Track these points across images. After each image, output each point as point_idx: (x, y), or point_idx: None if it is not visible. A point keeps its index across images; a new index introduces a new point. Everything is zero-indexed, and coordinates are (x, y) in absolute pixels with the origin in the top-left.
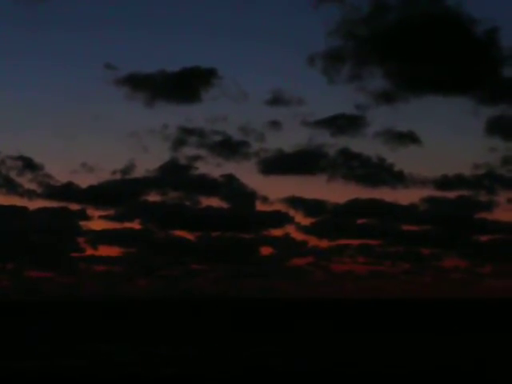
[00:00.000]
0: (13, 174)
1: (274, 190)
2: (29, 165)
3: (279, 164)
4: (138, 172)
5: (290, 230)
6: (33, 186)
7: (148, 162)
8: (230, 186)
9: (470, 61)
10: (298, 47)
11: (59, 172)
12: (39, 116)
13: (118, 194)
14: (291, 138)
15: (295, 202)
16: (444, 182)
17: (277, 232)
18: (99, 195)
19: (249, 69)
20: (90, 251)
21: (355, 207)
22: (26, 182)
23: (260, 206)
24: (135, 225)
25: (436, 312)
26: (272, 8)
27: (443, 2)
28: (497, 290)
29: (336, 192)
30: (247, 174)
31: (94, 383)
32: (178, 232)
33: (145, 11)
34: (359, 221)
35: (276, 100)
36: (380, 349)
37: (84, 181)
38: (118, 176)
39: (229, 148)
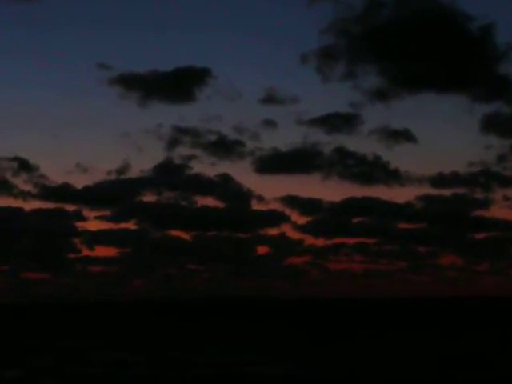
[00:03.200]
0: (8, 175)
1: (269, 189)
2: (24, 166)
3: (274, 163)
4: (133, 172)
5: (286, 229)
6: (28, 187)
7: (143, 162)
8: (225, 186)
9: (465, 58)
10: (292, 45)
11: (54, 172)
12: (34, 116)
13: (114, 194)
14: (286, 137)
15: (291, 200)
16: (440, 180)
17: (273, 231)
18: (95, 196)
19: (242, 67)
20: (86, 252)
21: (351, 205)
22: (22, 182)
23: (256, 206)
24: (131, 225)
25: (432, 310)
26: (265, 6)
27: None
28: (493, 288)
29: (331, 190)
30: (242, 173)
31: None
32: (174, 232)
33: (138, 11)
34: (355, 219)
35: (270, 99)
36: (376, 348)
37: (79, 181)
38: (112, 176)
39: (223, 147)
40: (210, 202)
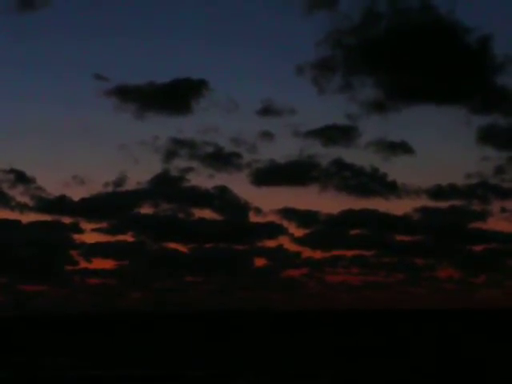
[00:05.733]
0: (5, 187)
1: (266, 201)
2: (21, 178)
3: (271, 175)
4: (130, 184)
5: (284, 241)
6: (25, 199)
7: (139, 174)
8: (222, 198)
9: (463, 69)
10: (289, 57)
11: (51, 185)
12: (30, 128)
13: (111, 206)
14: (283, 149)
15: (288, 213)
16: (437, 192)
17: (270, 243)
18: (92, 208)
19: (239, 79)
20: (83, 264)
21: (348, 218)
22: (18, 195)
23: (253, 218)
24: (128, 237)
25: (430, 322)
26: (262, 18)
27: (435, 10)
28: (491, 300)
29: (329, 203)
30: (239, 185)
31: None
32: (171, 244)
33: (135, 22)
34: (353, 231)
35: (267, 110)
36: (375, 360)
37: (76, 193)
38: (109, 188)
39: (220, 159)
40: (207, 214)
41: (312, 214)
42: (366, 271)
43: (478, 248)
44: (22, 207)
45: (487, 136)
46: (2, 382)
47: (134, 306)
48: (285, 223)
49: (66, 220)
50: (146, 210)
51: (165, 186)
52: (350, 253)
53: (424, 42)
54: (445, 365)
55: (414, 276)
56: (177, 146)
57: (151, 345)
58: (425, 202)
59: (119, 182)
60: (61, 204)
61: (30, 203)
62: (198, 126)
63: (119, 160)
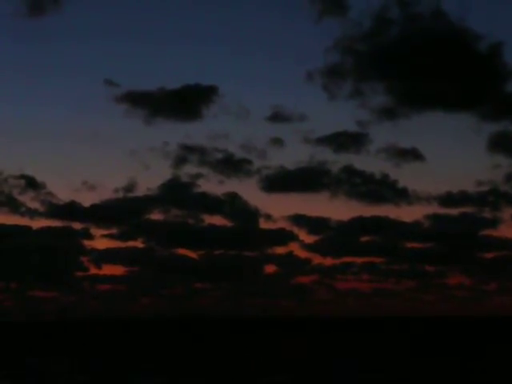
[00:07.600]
0: (15, 193)
1: (276, 207)
2: (31, 183)
3: (282, 181)
4: (140, 190)
5: (294, 247)
6: (35, 205)
7: (149, 180)
8: (232, 204)
9: (473, 76)
10: (299, 63)
11: (61, 190)
12: (40, 133)
13: (121, 212)
14: (293, 155)
15: (298, 219)
16: (448, 199)
17: (280, 250)
18: (102, 214)
19: (249, 85)
20: (93, 270)
21: (359, 224)
22: (29, 200)
23: (263, 224)
24: (138, 243)
25: (440, 329)
26: (272, 24)
27: (446, 17)
28: (502, 307)
29: (339, 209)
30: (250, 191)
31: None
32: (181, 250)
33: (145, 28)
34: (363, 238)
35: (277, 116)
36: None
37: (86, 199)
38: (120, 194)
39: (231, 165)
40: (217, 220)
41: (322, 221)
42: (377, 278)
43: (488, 255)
44: (33, 213)
45: (498, 143)
46: None
47: (144, 312)
48: (295, 230)
49: (77, 226)
50: (156, 216)
51: (175, 192)
52: (360, 260)
53: (435, 48)
54: (454, 372)
55: (424, 283)
56: (187, 152)
57: (159, 351)
58: (435, 208)
59: (129, 188)
60: (71, 210)
61: (41, 209)
62: (208, 132)
63: (129, 166)
